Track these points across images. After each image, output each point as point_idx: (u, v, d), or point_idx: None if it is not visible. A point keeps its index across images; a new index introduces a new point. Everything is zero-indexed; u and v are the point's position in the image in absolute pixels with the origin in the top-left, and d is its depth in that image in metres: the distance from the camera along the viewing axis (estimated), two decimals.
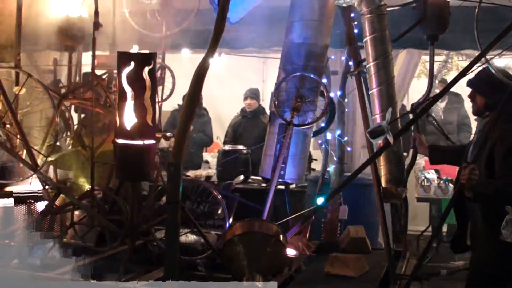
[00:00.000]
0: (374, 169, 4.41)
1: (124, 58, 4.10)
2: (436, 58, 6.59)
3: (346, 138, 5.37)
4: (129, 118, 4.10)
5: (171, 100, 10.28)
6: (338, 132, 5.28)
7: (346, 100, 5.31)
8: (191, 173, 7.21)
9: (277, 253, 4.02)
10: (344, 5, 4.29)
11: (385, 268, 4.52)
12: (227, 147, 7.26)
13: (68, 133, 5.41)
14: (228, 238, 4.04)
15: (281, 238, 4.06)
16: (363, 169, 4.00)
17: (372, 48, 4.38)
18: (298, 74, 4.62)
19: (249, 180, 6.94)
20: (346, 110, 5.37)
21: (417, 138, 4.87)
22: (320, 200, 5.10)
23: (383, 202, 4.43)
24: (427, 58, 5.18)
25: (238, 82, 9.57)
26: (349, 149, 5.48)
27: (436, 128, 5.15)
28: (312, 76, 4.60)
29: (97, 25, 4.36)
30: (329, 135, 5.35)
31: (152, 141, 4.12)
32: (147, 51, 4.35)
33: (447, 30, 4.69)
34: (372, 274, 4.58)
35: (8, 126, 4.50)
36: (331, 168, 5.42)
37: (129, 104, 4.09)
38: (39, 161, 4.61)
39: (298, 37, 4.81)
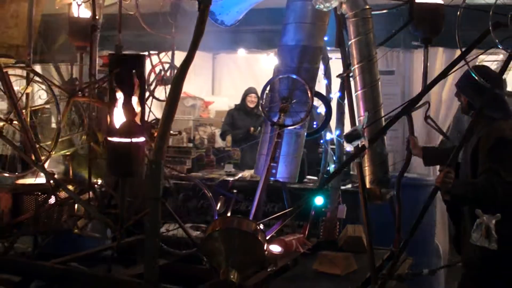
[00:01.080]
0: (359, 171, 4.48)
1: (113, 60, 4.32)
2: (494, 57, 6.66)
3: None
4: (118, 117, 4.33)
5: (228, 101, 10.54)
6: (337, 132, 5.36)
7: (345, 101, 5.38)
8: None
9: (255, 251, 4.15)
10: (324, 9, 4.37)
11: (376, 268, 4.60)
12: None
13: (82, 129, 5.67)
14: (208, 233, 4.21)
15: (259, 236, 4.19)
16: (342, 170, 4.12)
17: (357, 51, 4.45)
18: (282, 76, 4.73)
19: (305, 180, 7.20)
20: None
21: (411, 140, 4.94)
22: (318, 200, 5.23)
23: (367, 202, 4.50)
24: None
25: None
26: (348, 149, 5.55)
27: (436, 130, 5.16)
28: (294, 77, 4.70)
29: (94, 27, 4.57)
30: (328, 135, 5.45)
31: (140, 139, 4.31)
32: (137, 53, 4.55)
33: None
34: (359, 274, 4.62)
35: (15, 122, 4.77)
36: (331, 168, 5.51)
37: (119, 104, 4.31)
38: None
39: (291, 39, 4.92)
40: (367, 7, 4.44)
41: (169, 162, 7.97)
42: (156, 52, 5.87)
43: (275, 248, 4.66)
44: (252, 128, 9.29)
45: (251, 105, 9.49)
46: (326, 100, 5.06)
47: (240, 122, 9.56)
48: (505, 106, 4.28)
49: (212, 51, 9.50)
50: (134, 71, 4.25)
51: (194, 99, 11.58)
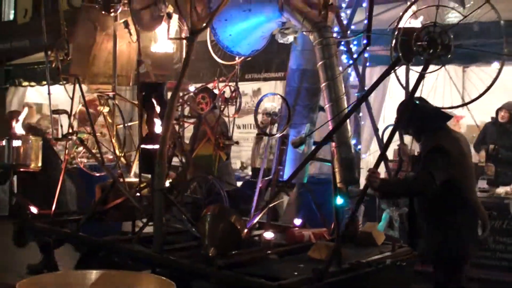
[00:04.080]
0: (332, 172, 5.35)
1: (140, 87, 5.82)
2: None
3: (359, 147, 6.21)
4: (144, 129, 5.80)
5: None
6: (354, 141, 6.16)
7: (360, 114, 6.19)
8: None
9: (231, 235, 5.26)
10: (285, 43, 5.31)
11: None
12: None
13: None
14: (201, 216, 5.44)
15: (237, 224, 5.29)
16: (302, 168, 5.10)
17: (323, 72, 5.32)
18: (268, 95, 5.77)
19: None
20: (362, 123, 6.23)
21: (402, 148, 5.62)
22: (339, 200, 6.10)
23: (337, 196, 5.32)
24: None
25: None
26: (363, 156, 6.29)
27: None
28: (279, 95, 5.70)
29: (140, 62, 6.06)
30: None
31: (154, 146, 5.67)
32: (157, 82, 5.96)
33: None
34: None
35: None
36: None
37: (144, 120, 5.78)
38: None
39: (294, 64, 5.92)
40: (330, 36, 5.30)
41: None
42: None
43: (268, 235, 5.70)
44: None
45: (502, 120, 9.05)
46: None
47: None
48: (440, 118, 4.84)
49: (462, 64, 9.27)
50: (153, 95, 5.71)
51: None
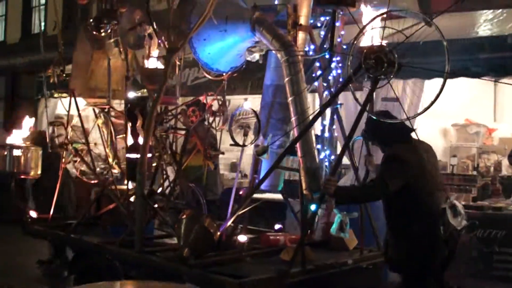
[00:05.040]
0: (300, 180, 5.79)
1: (125, 100, 6.34)
2: None
3: (333, 157, 6.62)
4: (129, 139, 6.30)
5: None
6: (328, 152, 6.60)
7: (334, 126, 6.63)
8: None
9: (204, 238, 5.71)
10: (252, 60, 5.78)
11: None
12: None
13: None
14: (178, 219, 5.91)
15: (210, 227, 5.74)
16: (268, 176, 5.55)
17: (290, 87, 5.77)
18: (241, 109, 6.23)
19: None
20: (336, 134, 6.68)
21: (367, 159, 6.01)
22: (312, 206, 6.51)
23: (303, 204, 5.75)
24: None
25: None
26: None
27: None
28: (250, 108, 6.16)
29: (128, 78, 6.58)
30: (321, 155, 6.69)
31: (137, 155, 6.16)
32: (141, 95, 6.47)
33: None
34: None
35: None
36: None
37: (129, 131, 6.29)
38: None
39: (268, 79, 6.38)
40: (297, 53, 5.74)
41: (454, 190, 9.14)
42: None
43: (242, 238, 6.14)
44: None
45: None
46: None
47: None
48: (401, 133, 5.18)
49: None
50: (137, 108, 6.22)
51: (477, 126, 11.21)
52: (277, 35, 5.85)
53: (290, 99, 5.77)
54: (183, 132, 7.12)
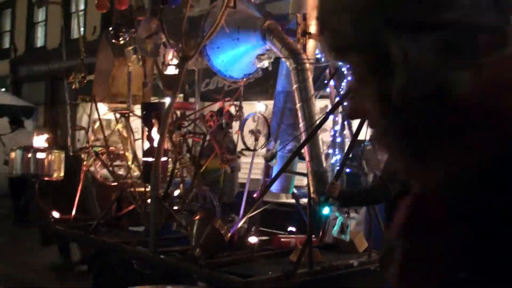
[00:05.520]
0: (308, 184, 5.97)
1: (142, 105, 6.59)
2: None
3: None
4: (146, 144, 6.55)
5: None
6: (339, 156, 6.76)
7: (345, 131, 6.78)
8: None
9: (214, 238, 5.94)
10: (262, 67, 6.01)
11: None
12: None
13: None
14: (192, 221, 6.15)
15: (221, 229, 5.96)
16: (277, 178, 5.76)
17: (298, 94, 5.96)
18: (252, 115, 6.43)
19: None
20: (347, 139, 6.82)
21: (374, 163, 6.18)
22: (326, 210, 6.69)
23: (311, 208, 5.92)
24: None
25: None
26: (348, 170, 6.85)
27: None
28: (261, 114, 6.36)
29: (145, 84, 6.85)
30: (333, 159, 6.86)
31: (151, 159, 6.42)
32: (158, 101, 6.72)
33: None
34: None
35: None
36: None
37: (145, 135, 6.54)
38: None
39: (280, 86, 6.58)
40: (305, 62, 5.93)
41: None
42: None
43: (253, 239, 6.34)
44: None
45: None
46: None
47: None
48: None
49: None
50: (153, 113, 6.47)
51: None
52: (286, 44, 6.05)
53: (298, 105, 5.96)
54: (200, 136, 7.37)
